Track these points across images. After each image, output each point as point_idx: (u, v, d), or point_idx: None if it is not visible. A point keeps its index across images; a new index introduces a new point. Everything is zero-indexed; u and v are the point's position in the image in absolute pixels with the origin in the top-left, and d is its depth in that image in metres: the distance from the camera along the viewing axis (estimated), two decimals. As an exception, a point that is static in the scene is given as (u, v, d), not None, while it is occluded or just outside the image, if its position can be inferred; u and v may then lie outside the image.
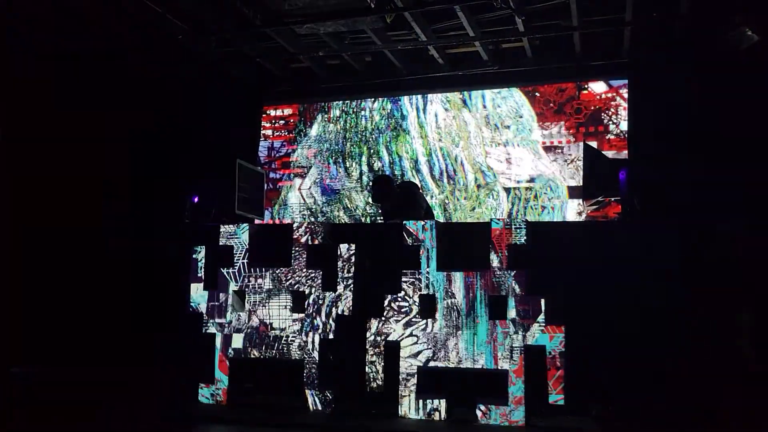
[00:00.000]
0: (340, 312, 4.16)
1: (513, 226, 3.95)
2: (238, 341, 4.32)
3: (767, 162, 5.23)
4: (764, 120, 5.34)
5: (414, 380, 3.93)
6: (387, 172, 6.83)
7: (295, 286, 4.28)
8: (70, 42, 6.05)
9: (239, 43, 6.45)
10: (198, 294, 4.46)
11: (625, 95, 6.54)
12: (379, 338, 4.03)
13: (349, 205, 6.81)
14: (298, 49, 6.60)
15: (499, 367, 3.81)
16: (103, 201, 6.52)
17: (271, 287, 4.30)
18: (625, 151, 6.38)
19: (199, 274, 4.48)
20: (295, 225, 4.37)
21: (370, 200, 5.24)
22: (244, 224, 4.58)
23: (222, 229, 4.51)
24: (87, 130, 6.79)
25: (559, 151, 6.67)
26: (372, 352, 4.01)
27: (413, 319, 4.01)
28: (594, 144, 6.29)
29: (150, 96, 6.81)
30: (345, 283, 4.17)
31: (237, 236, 4.34)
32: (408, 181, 6.30)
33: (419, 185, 5.95)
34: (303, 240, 4.28)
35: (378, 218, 5.32)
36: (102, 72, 6.54)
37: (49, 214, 6.58)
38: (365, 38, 6.44)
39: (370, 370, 4.02)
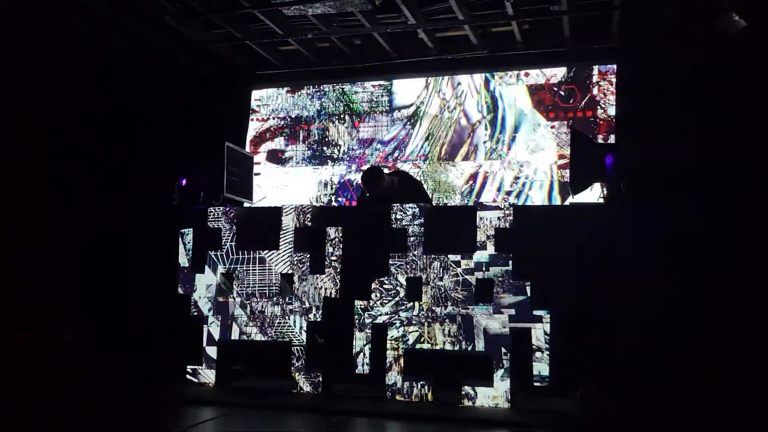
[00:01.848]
0: (327, 294, 4.19)
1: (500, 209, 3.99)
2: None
3: (757, 146, 5.27)
4: (753, 105, 5.37)
5: (401, 362, 3.98)
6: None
7: (283, 269, 4.31)
8: (60, 23, 5.99)
9: (227, 24, 6.41)
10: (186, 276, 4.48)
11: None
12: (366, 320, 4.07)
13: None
14: (287, 32, 6.57)
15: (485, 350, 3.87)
16: (90, 183, 6.50)
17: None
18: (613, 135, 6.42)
19: (188, 257, 4.50)
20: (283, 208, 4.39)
21: (364, 190, 5.23)
22: (233, 207, 4.60)
23: (210, 212, 4.52)
24: (79, 112, 6.74)
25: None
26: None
27: (400, 302, 4.05)
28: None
29: (137, 78, 6.76)
30: (332, 265, 4.20)
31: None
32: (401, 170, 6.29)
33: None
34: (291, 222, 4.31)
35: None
36: (89, 53, 6.48)
37: (33, 197, 6.54)
38: (354, 21, 6.42)
39: (357, 352, 4.06)
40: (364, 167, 5.55)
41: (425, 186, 6.16)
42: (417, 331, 4.00)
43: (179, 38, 6.58)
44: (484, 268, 3.95)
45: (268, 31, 6.63)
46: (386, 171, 5.41)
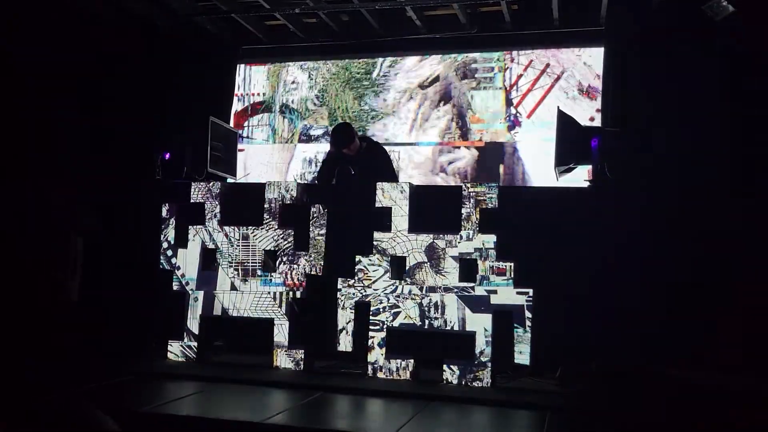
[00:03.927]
0: (310, 272, 4.18)
1: (485, 190, 3.99)
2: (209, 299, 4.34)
3: (742, 132, 5.30)
4: (738, 90, 5.39)
5: (383, 340, 3.99)
6: None
7: (267, 245, 4.29)
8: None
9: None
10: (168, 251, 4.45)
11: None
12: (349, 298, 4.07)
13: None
14: (274, 6, 6.49)
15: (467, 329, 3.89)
16: (70, 155, 6.41)
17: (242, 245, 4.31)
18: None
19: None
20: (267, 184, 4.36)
21: (331, 148, 5.10)
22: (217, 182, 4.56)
23: (193, 187, 4.48)
24: (57, 79, 6.62)
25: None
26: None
27: (383, 280, 4.05)
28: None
29: (122, 48, 6.65)
30: (316, 242, 4.19)
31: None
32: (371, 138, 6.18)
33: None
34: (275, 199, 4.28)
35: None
36: (67, 18, 6.35)
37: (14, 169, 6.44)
38: (342, -4, 6.38)
39: (340, 330, 4.07)
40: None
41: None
42: (400, 309, 4.01)
43: (162, 8, 6.48)
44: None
45: (254, 5, 6.54)
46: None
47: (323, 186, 5.12)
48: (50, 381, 3.66)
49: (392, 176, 5.22)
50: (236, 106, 7.48)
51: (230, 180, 5.35)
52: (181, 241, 4.42)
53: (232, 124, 7.30)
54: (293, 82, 7.50)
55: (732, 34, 5.34)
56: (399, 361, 3.94)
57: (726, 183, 5.11)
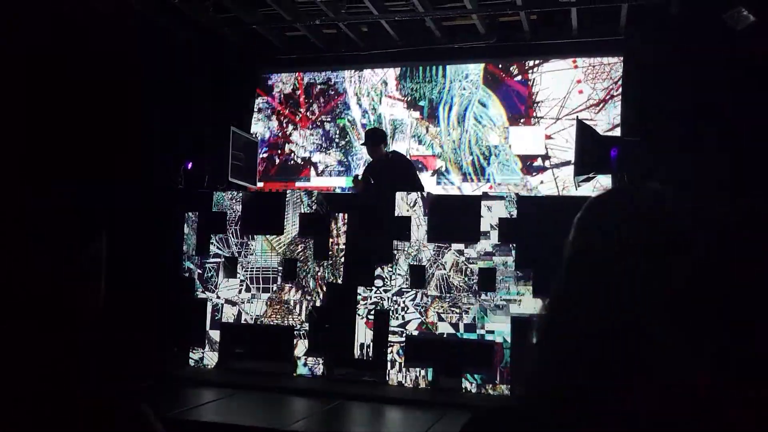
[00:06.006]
0: (331, 280, 4.21)
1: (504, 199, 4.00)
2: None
3: (761, 143, 5.26)
4: (758, 100, 5.36)
5: (402, 349, 4.00)
6: None
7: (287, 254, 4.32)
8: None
9: (235, 8, 6.40)
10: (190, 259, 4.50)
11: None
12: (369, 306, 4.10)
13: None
14: (295, 17, 6.56)
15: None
16: (94, 165, 6.50)
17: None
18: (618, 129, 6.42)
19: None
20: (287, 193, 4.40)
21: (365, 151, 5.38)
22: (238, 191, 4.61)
23: (215, 196, 4.53)
24: (81, 92, 6.72)
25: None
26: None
27: (403, 289, 4.07)
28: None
29: (141, 58, 6.74)
30: (336, 251, 4.22)
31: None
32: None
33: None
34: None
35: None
36: (96, 31, 6.46)
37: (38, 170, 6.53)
38: (362, 7, 6.41)
39: (359, 338, 4.09)
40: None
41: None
42: (419, 318, 4.03)
43: (185, 20, 6.57)
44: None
45: (275, 16, 6.62)
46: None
47: (341, 195, 5.17)
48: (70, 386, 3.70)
49: (411, 186, 5.24)
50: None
51: (251, 188, 5.41)
52: (203, 249, 4.47)
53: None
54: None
55: (752, 43, 5.32)
56: (418, 369, 3.96)
57: (747, 192, 5.07)
